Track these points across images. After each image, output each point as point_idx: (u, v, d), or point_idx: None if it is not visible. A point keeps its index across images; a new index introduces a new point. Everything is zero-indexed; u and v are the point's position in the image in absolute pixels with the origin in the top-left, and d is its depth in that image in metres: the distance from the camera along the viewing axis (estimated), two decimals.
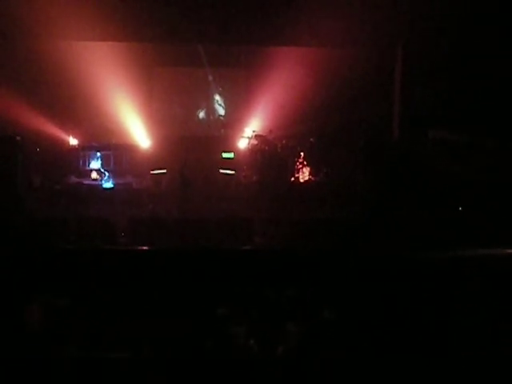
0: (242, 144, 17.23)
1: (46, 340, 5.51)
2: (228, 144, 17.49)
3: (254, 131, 16.44)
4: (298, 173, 15.65)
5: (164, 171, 16.20)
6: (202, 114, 18.64)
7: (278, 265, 7.10)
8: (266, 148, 15.78)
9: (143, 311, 6.17)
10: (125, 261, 7.26)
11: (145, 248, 8.76)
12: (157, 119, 17.98)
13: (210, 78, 18.42)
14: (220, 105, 18.64)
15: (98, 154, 17.01)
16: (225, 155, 17.19)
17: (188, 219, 11.96)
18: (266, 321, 5.95)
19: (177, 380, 4.97)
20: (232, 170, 16.39)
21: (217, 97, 18.61)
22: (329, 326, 5.87)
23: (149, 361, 5.14)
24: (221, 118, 18.55)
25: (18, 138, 13.80)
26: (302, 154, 15.75)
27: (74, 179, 16.54)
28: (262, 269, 7.01)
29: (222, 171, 16.26)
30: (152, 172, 16.17)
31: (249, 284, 6.64)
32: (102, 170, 16.67)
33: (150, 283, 6.76)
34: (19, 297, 6.12)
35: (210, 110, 18.64)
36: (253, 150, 16.18)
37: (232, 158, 17.15)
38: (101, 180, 16.40)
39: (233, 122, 18.00)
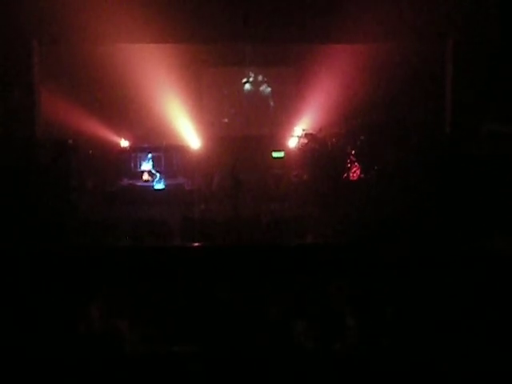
0: (292, 143, 17.16)
1: (109, 336, 5.57)
2: (278, 143, 17.50)
3: (303, 130, 16.30)
4: (348, 171, 15.48)
5: None
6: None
7: (336, 260, 7.06)
8: (317, 146, 15.63)
9: (200, 307, 6.19)
10: (182, 258, 7.31)
11: (201, 245, 8.81)
12: (207, 120, 18.02)
13: (260, 77, 18.45)
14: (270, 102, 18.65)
15: (150, 155, 17.18)
16: (275, 154, 17.28)
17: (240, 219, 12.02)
18: (325, 316, 5.91)
19: (235, 375, 4.98)
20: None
21: (266, 95, 18.63)
22: (390, 322, 5.80)
23: (209, 355, 5.16)
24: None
25: (71, 140, 13.99)
26: (352, 151, 15.59)
27: (126, 181, 16.73)
28: (320, 264, 6.98)
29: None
30: None
31: (306, 279, 6.61)
32: (154, 172, 16.81)
33: (207, 279, 6.78)
34: (76, 295, 6.20)
35: (259, 109, 18.63)
36: (303, 149, 16.07)
37: (282, 158, 17.20)
38: (152, 181, 16.55)
39: (283, 120, 17.95)
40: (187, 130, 17.46)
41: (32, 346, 5.34)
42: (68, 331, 5.56)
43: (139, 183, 16.59)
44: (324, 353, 5.37)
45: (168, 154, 17.44)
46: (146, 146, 17.43)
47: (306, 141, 15.95)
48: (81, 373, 4.98)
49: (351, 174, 15.48)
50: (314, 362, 5.21)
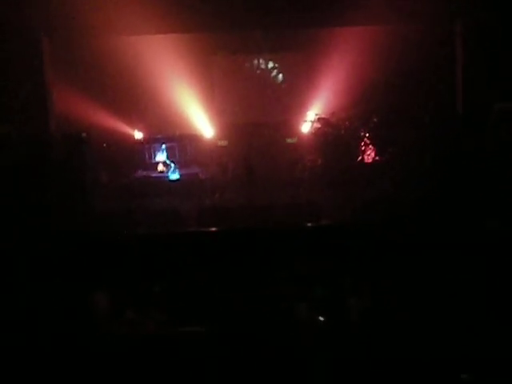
0: (306, 128, 17.12)
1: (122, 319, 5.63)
2: (291, 129, 17.48)
3: (316, 114, 16.25)
4: (363, 154, 15.43)
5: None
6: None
7: (341, 242, 7.05)
8: (330, 130, 15.60)
9: (213, 289, 6.23)
10: (195, 242, 7.33)
11: (213, 230, 8.84)
12: (219, 107, 17.99)
13: (271, 63, 18.40)
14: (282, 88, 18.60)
15: (163, 146, 17.19)
16: (288, 140, 17.30)
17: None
18: (330, 296, 5.91)
19: (244, 354, 5.00)
20: None
21: (278, 81, 18.58)
22: (391, 302, 5.78)
23: (218, 335, 5.19)
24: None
25: (84, 134, 14.02)
26: (366, 134, 15.53)
27: (140, 172, 16.76)
28: (325, 246, 6.98)
29: None
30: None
31: (312, 261, 6.61)
32: (168, 162, 16.82)
33: (218, 262, 6.80)
34: (91, 283, 6.24)
35: (272, 95, 18.55)
36: (316, 134, 16.03)
37: (296, 143, 17.22)
38: (167, 172, 16.56)
39: (295, 106, 17.87)
40: (200, 119, 17.46)
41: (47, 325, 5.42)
42: (79, 314, 5.62)
43: (154, 174, 16.61)
44: (330, 337, 5.38)
45: (182, 143, 17.46)
46: (159, 136, 17.45)
47: (319, 125, 15.92)
48: (92, 355, 5.03)
49: (365, 157, 15.45)
50: (321, 345, 5.22)
